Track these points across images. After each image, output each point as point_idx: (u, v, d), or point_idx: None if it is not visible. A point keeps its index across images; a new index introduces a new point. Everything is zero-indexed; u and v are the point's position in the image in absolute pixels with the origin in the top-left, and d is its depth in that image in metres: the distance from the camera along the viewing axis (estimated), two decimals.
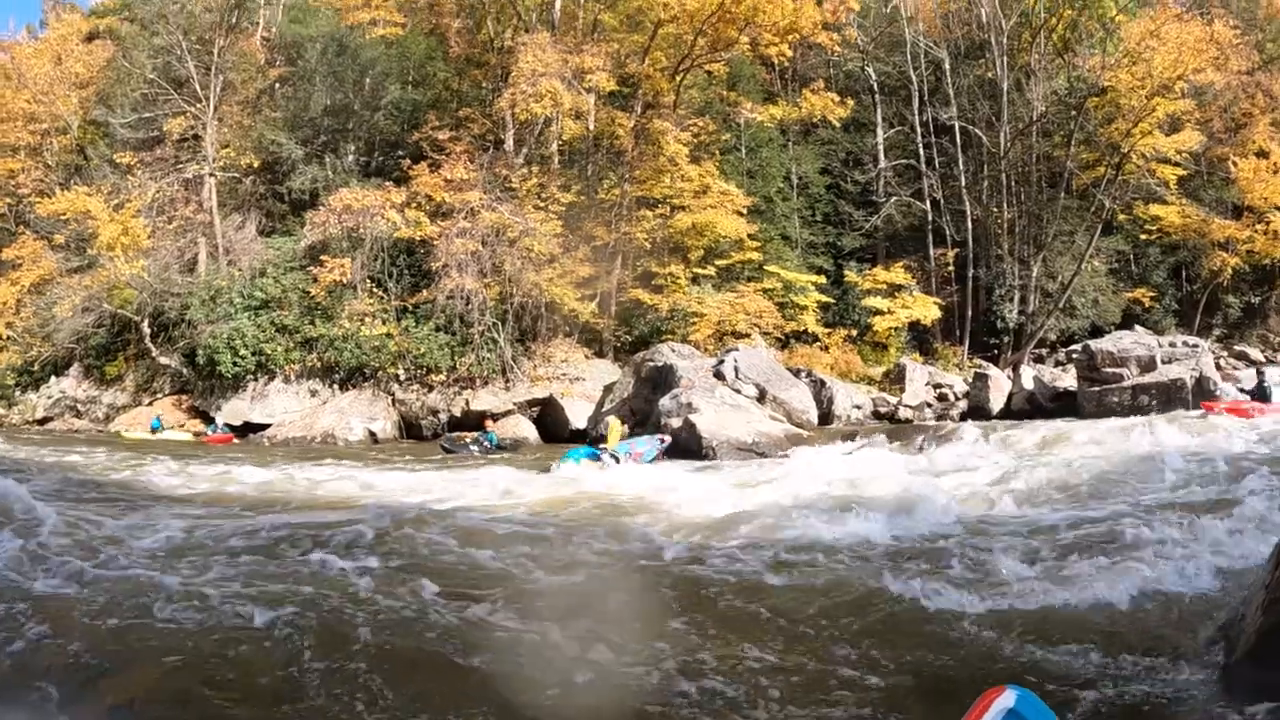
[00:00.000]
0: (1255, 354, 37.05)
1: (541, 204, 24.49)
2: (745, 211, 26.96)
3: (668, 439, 17.04)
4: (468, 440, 19.64)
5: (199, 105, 25.60)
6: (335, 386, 23.25)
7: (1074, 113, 31.41)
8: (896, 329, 28.91)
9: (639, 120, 26.68)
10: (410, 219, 23.42)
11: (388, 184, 24.60)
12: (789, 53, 29.82)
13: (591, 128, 26.58)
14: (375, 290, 23.62)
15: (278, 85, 28.79)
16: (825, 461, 15.19)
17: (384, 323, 22.95)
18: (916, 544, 8.21)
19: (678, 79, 27.35)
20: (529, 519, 9.61)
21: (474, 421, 21.42)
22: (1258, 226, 37.23)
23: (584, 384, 22.84)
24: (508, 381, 22.97)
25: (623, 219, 26.18)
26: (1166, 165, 33.22)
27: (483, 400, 22.41)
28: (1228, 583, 6.53)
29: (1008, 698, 3.76)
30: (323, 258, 23.24)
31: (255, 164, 26.87)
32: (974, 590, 6.51)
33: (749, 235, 27.15)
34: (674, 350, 21.27)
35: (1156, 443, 14.39)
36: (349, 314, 22.89)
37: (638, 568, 7.39)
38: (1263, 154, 38.84)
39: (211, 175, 25.48)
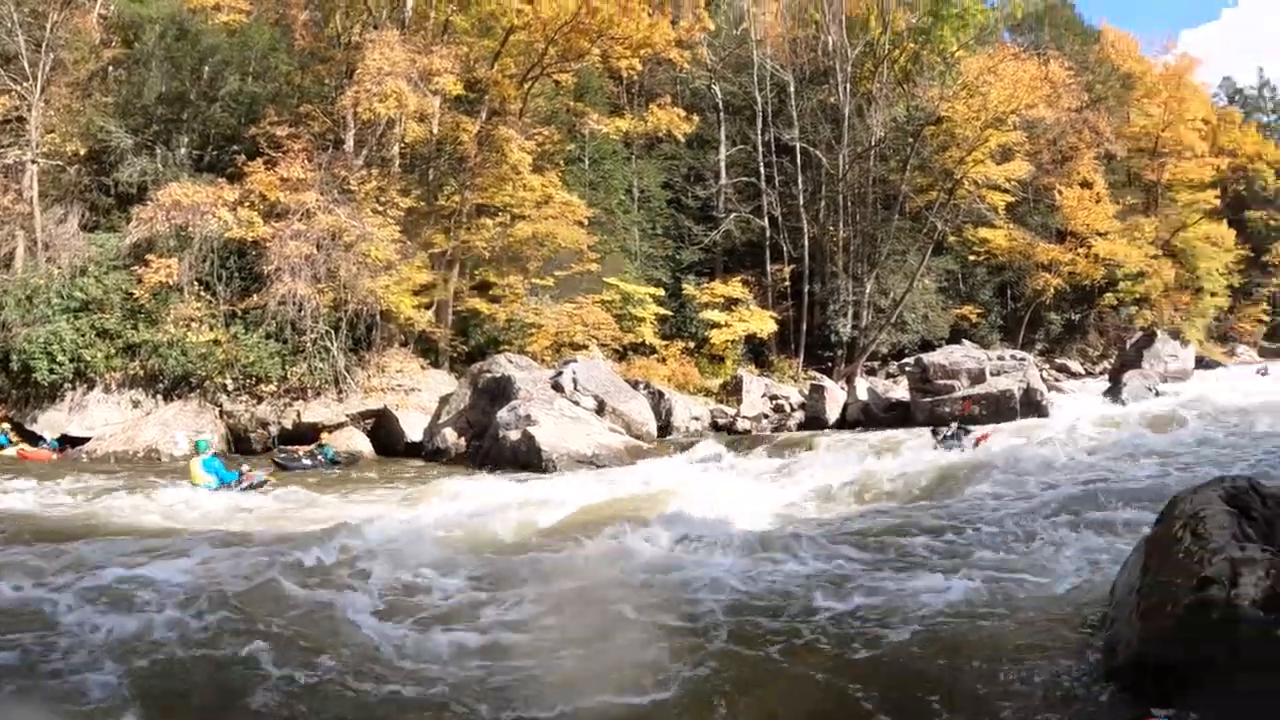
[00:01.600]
0: (1075, 367, 40.78)
1: (380, 208, 24.58)
2: (586, 223, 28.05)
3: (257, 475, 16.24)
4: (301, 454, 19.57)
5: (25, 84, 24.53)
6: (159, 397, 22.04)
7: (911, 139, 34.42)
8: (733, 342, 30.65)
9: (484, 126, 27.15)
10: (243, 219, 22.76)
11: (221, 180, 23.85)
12: (639, 67, 31.12)
13: (435, 132, 27.05)
14: (203, 294, 22.84)
15: (111, 68, 27.78)
16: (670, 473, 16.17)
17: (211, 328, 22.19)
18: (766, 552, 8.87)
19: (526, 87, 28.05)
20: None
21: (306, 434, 21.31)
22: (1079, 250, 41.38)
23: (419, 395, 23.01)
24: (341, 392, 22.71)
25: (462, 226, 26.59)
26: (996, 192, 36.70)
27: (315, 412, 22.05)
28: (1089, 579, 7.35)
29: None
30: (148, 257, 22.05)
31: (82, 152, 25.52)
32: (835, 594, 7.27)
33: (589, 247, 28.14)
34: (512, 361, 21.87)
35: (989, 451, 15.97)
36: (175, 318, 21.96)
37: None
38: (1086, 184, 43.08)
39: (34, 162, 24.36)
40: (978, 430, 18.47)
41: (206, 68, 27.38)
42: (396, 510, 12.75)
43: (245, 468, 16.59)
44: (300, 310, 22.18)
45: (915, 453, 16.90)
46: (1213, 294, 53.03)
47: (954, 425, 18.44)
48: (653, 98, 33.54)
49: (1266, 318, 60.08)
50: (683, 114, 32.21)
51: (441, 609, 7.57)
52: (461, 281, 26.87)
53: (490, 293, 27.04)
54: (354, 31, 27.08)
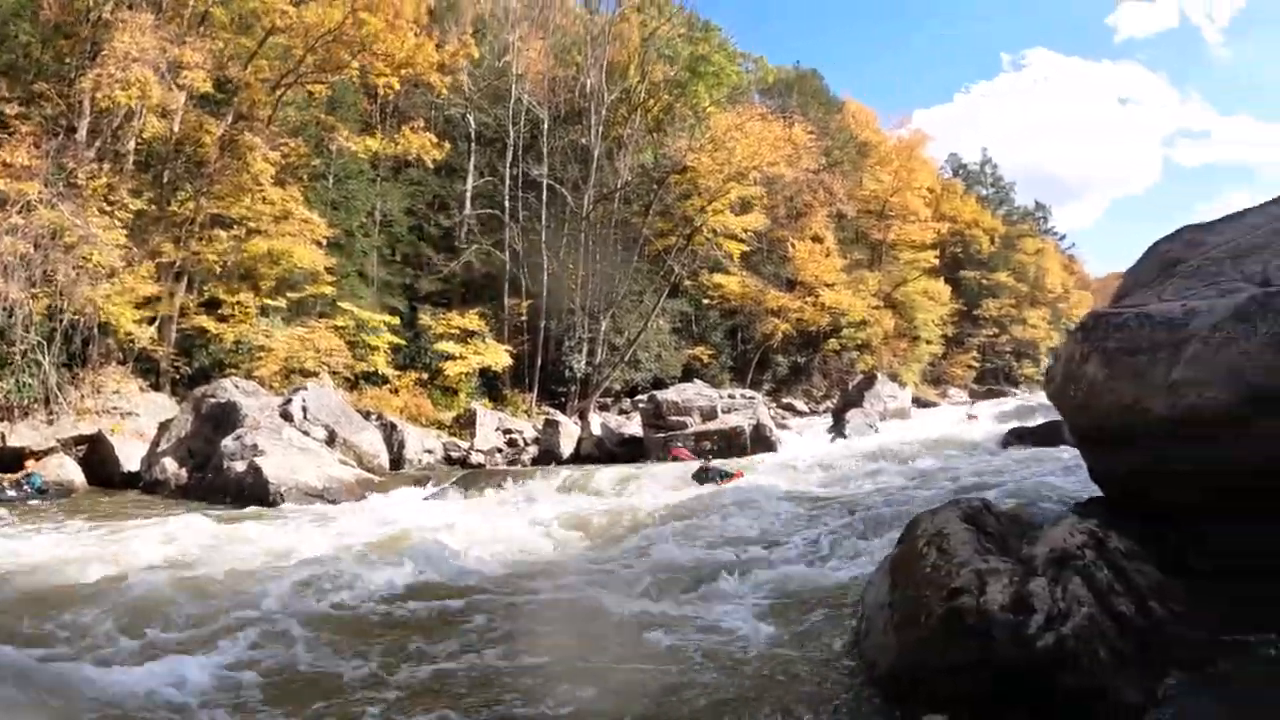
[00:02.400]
0: (801, 405, 44.35)
1: (108, 208, 22.92)
2: (325, 243, 27.65)
3: None
4: (6, 484, 18.05)
5: None
6: None
7: (656, 185, 37.17)
8: (467, 374, 31.07)
9: (229, 130, 26.29)
10: None
11: None
12: (397, 87, 31.41)
13: (177, 130, 25.74)
14: None
15: None
16: (402, 509, 15.93)
17: None
18: (499, 586, 8.94)
19: (278, 93, 27.59)
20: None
21: (10, 460, 19.35)
22: (807, 299, 45.08)
23: (138, 420, 21.69)
24: (51, 413, 20.78)
25: (194, 236, 25.43)
26: (733, 240, 39.92)
27: (22, 435, 19.97)
28: (837, 598, 7.72)
29: None
30: None
31: None
32: (569, 628, 7.37)
33: (326, 269, 27.86)
34: (238, 386, 21.16)
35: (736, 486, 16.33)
36: None
37: None
38: (817, 239, 47.17)
39: None
40: (731, 468, 18.77)
41: None
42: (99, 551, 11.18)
43: None
44: (10, 316, 20.13)
45: (655, 484, 17.65)
46: (928, 342, 59.22)
47: (710, 462, 18.88)
48: (406, 120, 33.64)
49: (976, 364, 67.45)
50: (434, 140, 32.38)
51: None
52: (189, 297, 25.59)
53: (219, 311, 25.97)
54: (106, 8, 24.60)
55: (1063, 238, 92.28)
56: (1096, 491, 7.88)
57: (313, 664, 6.68)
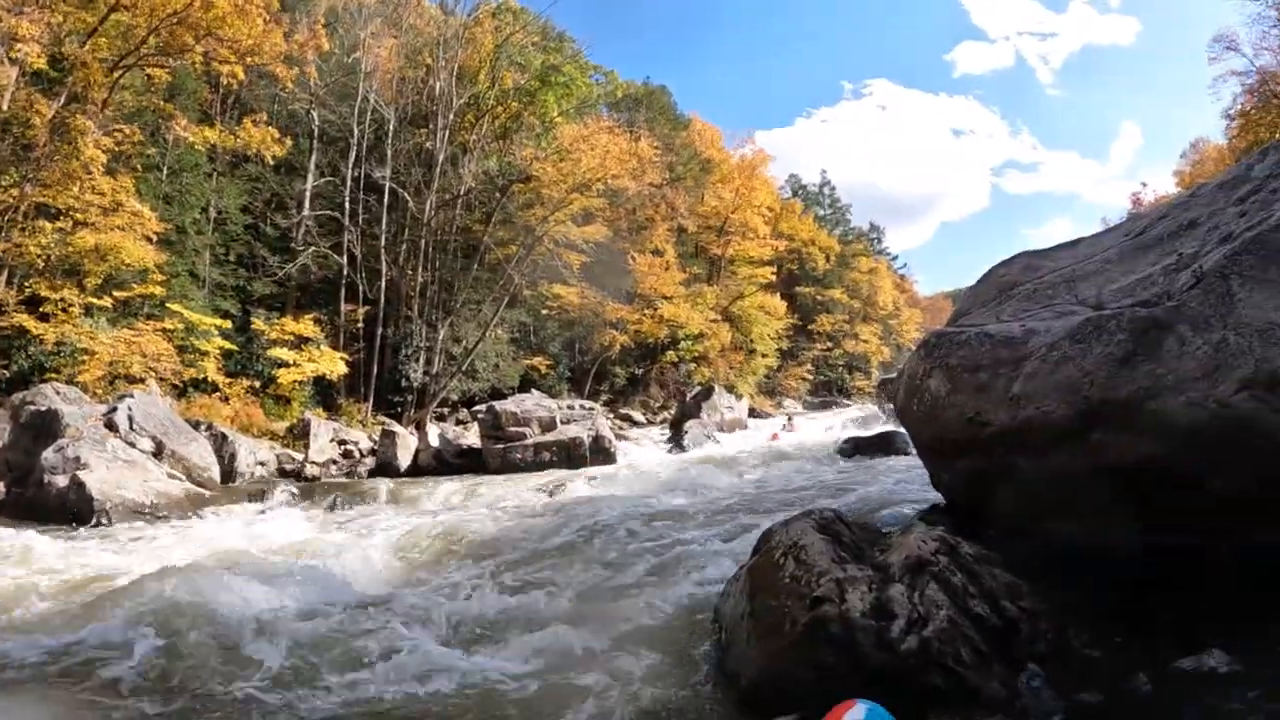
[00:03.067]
0: (638, 416, 45.59)
1: None
2: (155, 239, 26.78)
3: None
4: None
5: None
6: None
7: (500, 194, 37.70)
8: (301, 383, 30.66)
9: (60, 112, 25.02)
10: None
11: None
12: (241, 75, 30.85)
13: (5, 108, 24.24)
14: None
15: None
16: (237, 526, 15.49)
17: None
18: (336, 610, 8.54)
19: (116, 75, 26.54)
20: None
21: None
22: (646, 311, 46.07)
23: None
24: None
25: (16, 226, 24.49)
26: (574, 251, 40.69)
27: None
28: (692, 609, 7.82)
29: (858, 710, 4.45)
30: None
31: None
32: (400, 655, 7.08)
33: (156, 266, 26.91)
34: (59, 393, 20.34)
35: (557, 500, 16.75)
36: None
37: None
38: (658, 253, 48.69)
39: None
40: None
41: None
42: None
43: None
44: None
45: (494, 492, 18.19)
46: (764, 355, 61.65)
47: None
48: (248, 112, 33.07)
49: (809, 376, 70.58)
50: (276, 135, 31.74)
51: None
52: (9, 292, 24.62)
53: (41, 309, 24.76)
54: None
55: (895, 258, 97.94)
56: (938, 498, 8.40)
57: None
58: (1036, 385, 6.34)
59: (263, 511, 17.65)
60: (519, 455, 24.76)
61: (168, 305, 27.79)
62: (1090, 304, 7.08)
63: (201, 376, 27.84)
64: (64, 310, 25.25)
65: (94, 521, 15.91)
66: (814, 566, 5.93)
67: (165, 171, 30.51)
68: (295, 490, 20.09)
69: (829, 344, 74.07)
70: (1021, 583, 5.94)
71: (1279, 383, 5.33)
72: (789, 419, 42.39)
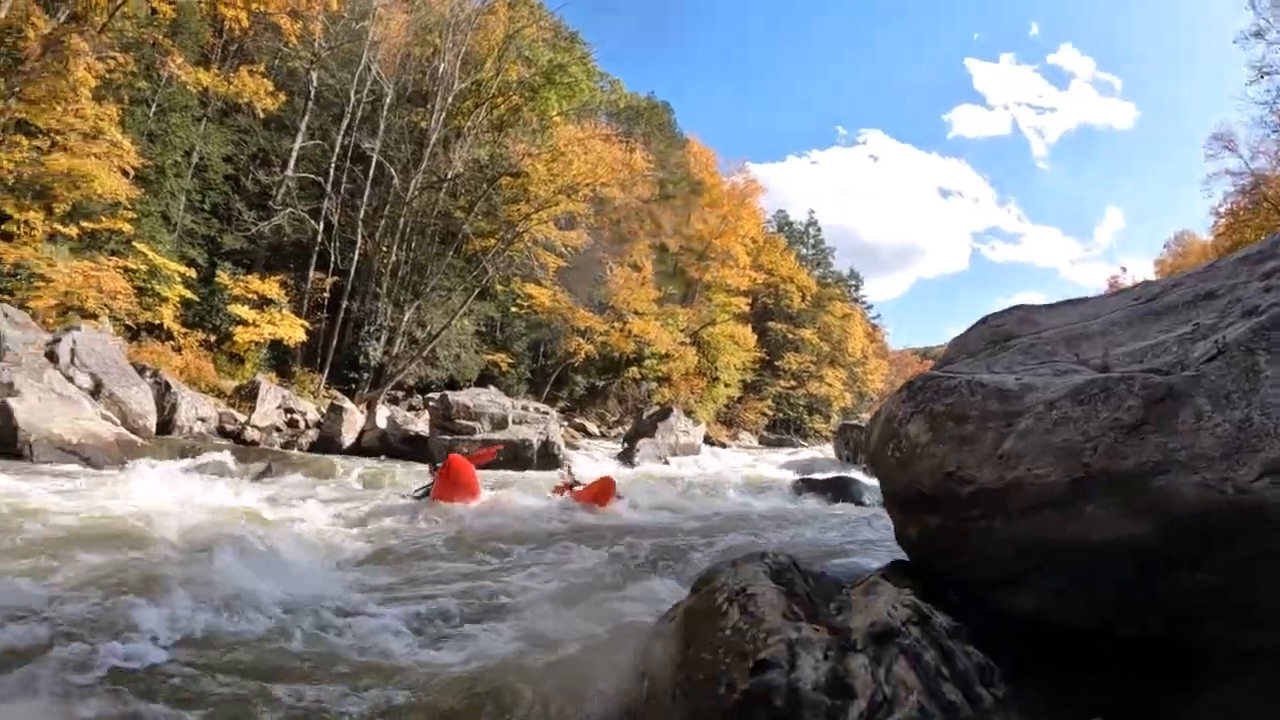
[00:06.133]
0: (592, 428, 45.42)
1: None
2: (131, 174, 26.64)
3: None
4: None
5: None
6: None
7: (487, 184, 37.66)
8: (258, 344, 30.51)
9: (58, 29, 24.78)
10: None
11: None
12: (245, 22, 30.65)
13: (2, 15, 24.18)
14: None
15: None
16: (165, 480, 14.23)
17: None
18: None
19: (119, 0, 26.45)
20: None
21: None
22: (616, 324, 46.14)
23: None
24: None
25: None
26: (552, 253, 40.67)
27: None
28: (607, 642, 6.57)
29: None
30: None
31: None
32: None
33: (128, 201, 26.72)
34: (7, 315, 20.12)
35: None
36: None
37: None
38: (636, 267, 48.73)
39: None
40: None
41: None
42: None
43: None
44: None
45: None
46: (727, 385, 61.50)
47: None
48: (248, 62, 32.97)
49: (769, 412, 70.49)
50: (270, 88, 32.13)
51: None
52: None
53: (2, 227, 24.71)
54: None
55: (870, 307, 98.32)
56: (898, 552, 7.02)
57: None
58: (1030, 445, 5.60)
59: (193, 472, 16.35)
60: (465, 449, 23.08)
61: (134, 244, 27.50)
62: (1094, 365, 6.38)
63: (157, 322, 27.65)
64: (27, 232, 24.93)
65: (18, 453, 15.49)
66: (762, 621, 5.03)
67: (154, 108, 30.30)
68: (232, 451, 19.41)
69: (793, 382, 73.86)
70: (995, 665, 5.10)
71: None
72: (567, 470, 30.26)
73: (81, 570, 7.66)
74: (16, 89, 24.54)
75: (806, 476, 24.36)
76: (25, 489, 12.06)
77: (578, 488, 15.88)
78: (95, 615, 6.25)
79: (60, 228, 25.77)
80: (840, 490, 20.92)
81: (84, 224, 26.33)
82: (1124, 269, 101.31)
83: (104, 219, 26.71)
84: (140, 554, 8.42)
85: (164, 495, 12.82)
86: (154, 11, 28.94)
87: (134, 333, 27.19)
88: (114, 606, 6.52)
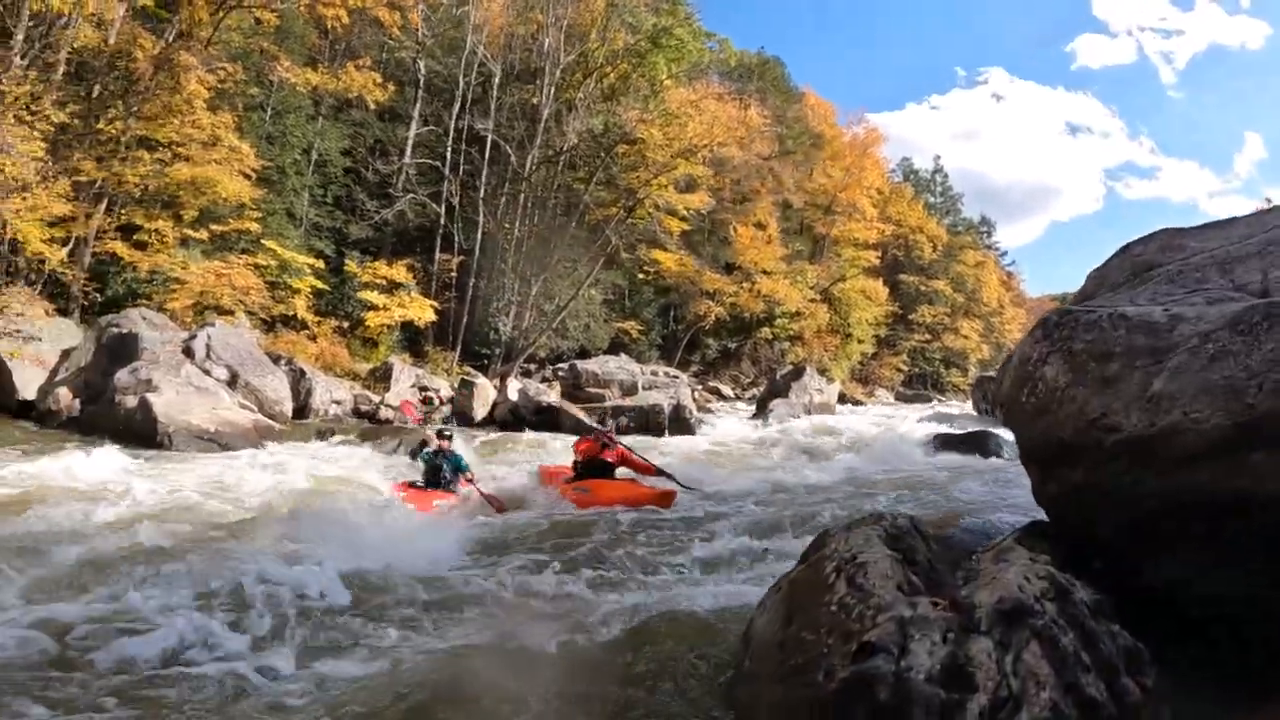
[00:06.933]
0: (726, 391, 44.77)
1: (29, 118, 21.64)
2: (253, 176, 27.33)
3: None
4: None
5: None
6: None
7: (603, 153, 37.16)
8: (390, 327, 31.07)
9: (167, 48, 25.45)
10: None
11: None
12: (345, 19, 30.90)
13: (112, 42, 24.78)
14: None
15: None
16: (300, 462, 14.89)
17: None
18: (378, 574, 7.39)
19: (221, 14, 26.96)
20: None
21: None
22: (744, 284, 45.38)
23: (40, 345, 20.58)
24: None
25: (117, 156, 24.77)
26: (674, 218, 40.01)
27: None
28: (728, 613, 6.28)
29: None
30: None
31: None
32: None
33: (252, 203, 27.50)
34: (144, 318, 20.90)
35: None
36: None
37: None
38: (760, 226, 47.70)
39: None
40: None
41: None
42: None
43: None
44: None
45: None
46: (860, 341, 59.95)
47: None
48: (354, 56, 33.47)
49: (904, 368, 68.60)
50: (378, 80, 32.48)
51: None
52: (107, 219, 25.10)
53: (135, 237, 25.49)
54: None
55: (1004, 254, 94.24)
56: (1037, 510, 6.33)
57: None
58: (1184, 384, 4.78)
59: (329, 450, 17.16)
60: (595, 417, 23.49)
61: (263, 242, 28.20)
62: (1253, 290, 5.60)
63: (291, 313, 28.38)
64: (159, 240, 25.83)
65: (158, 442, 15.99)
66: (871, 595, 4.32)
67: (269, 112, 31.14)
68: (367, 431, 20.17)
69: (928, 336, 71.27)
70: (1143, 649, 4.17)
71: None
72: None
73: (259, 534, 8.87)
74: (134, 109, 25.28)
75: (942, 432, 23.38)
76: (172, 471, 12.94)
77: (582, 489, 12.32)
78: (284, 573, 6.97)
79: (191, 233, 26.64)
80: (978, 444, 19.98)
81: (213, 227, 27.21)
82: (1269, 200, 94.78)
83: (231, 221, 27.60)
84: (295, 523, 9.20)
85: (301, 472, 13.75)
86: (258, 21, 29.39)
87: (269, 324, 27.98)
88: (297, 558, 7.59)
